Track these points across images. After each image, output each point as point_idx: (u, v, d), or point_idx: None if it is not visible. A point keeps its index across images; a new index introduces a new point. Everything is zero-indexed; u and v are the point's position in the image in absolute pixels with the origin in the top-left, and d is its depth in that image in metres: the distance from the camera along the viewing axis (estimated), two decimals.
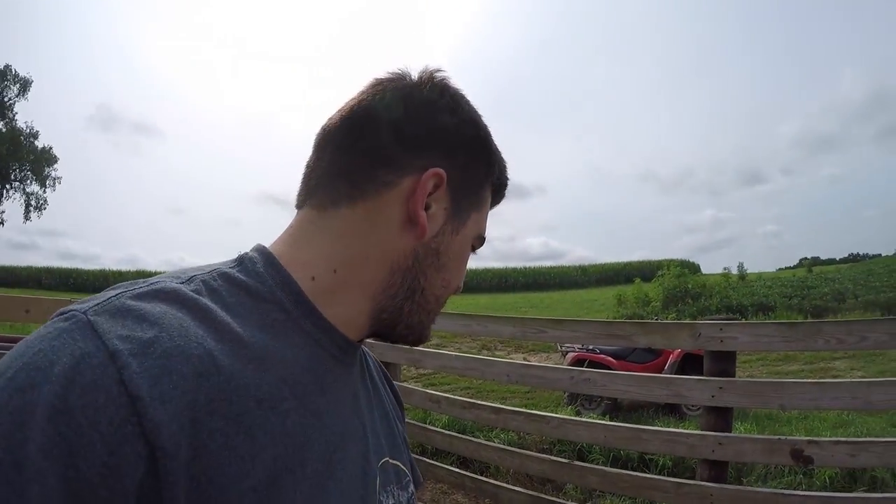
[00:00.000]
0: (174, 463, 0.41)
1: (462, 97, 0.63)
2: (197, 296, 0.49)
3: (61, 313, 0.45)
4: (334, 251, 0.58)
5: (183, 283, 0.50)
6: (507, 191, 0.70)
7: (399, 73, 0.62)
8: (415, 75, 0.62)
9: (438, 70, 0.62)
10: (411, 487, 0.69)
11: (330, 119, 0.62)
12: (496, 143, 0.66)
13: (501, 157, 0.67)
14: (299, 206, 0.62)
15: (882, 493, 3.61)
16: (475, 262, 0.68)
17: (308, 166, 0.62)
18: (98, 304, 0.45)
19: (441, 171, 0.59)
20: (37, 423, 0.38)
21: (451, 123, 0.60)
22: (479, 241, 0.67)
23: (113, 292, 0.47)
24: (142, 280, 0.50)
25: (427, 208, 0.59)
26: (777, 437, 2.49)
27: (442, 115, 0.60)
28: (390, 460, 0.66)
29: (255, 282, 0.54)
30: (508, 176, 0.68)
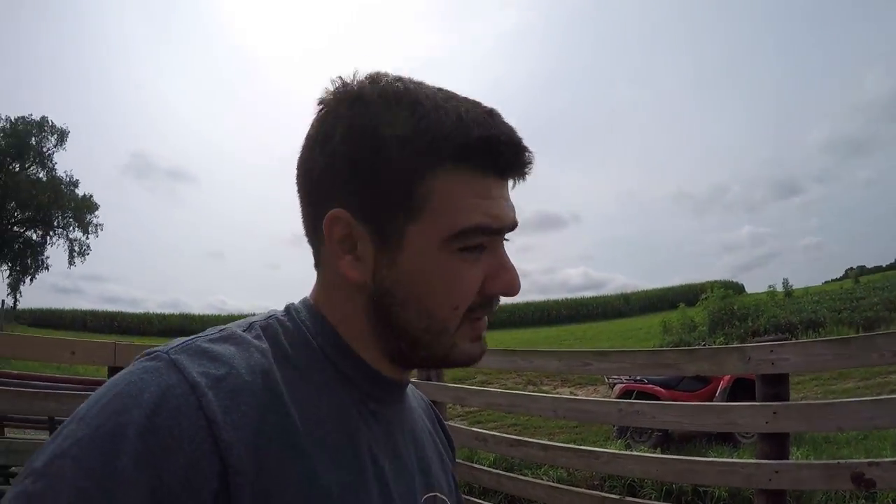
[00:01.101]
0: (242, 479, 0.47)
1: (357, 104, 0.57)
2: (258, 341, 0.56)
3: (147, 354, 0.52)
4: (338, 302, 0.62)
5: (245, 329, 0.58)
6: (511, 156, 0.57)
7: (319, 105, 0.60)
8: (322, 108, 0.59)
9: (339, 89, 0.59)
10: None
11: None
12: (444, 107, 0.55)
13: (446, 116, 0.55)
14: None
15: None
16: (515, 296, 0.59)
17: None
18: (179, 346, 0.53)
19: (337, 211, 0.56)
20: (129, 440, 0.44)
21: (342, 150, 0.56)
22: (468, 234, 0.56)
23: (190, 337, 0.55)
24: (214, 328, 0.58)
25: (353, 250, 0.58)
26: (835, 460, 2.39)
27: (333, 143, 0.57)
28: (439, 495, 0.68)
29: (300, 328, 0.60)
30: (484, 128, 0.55)
